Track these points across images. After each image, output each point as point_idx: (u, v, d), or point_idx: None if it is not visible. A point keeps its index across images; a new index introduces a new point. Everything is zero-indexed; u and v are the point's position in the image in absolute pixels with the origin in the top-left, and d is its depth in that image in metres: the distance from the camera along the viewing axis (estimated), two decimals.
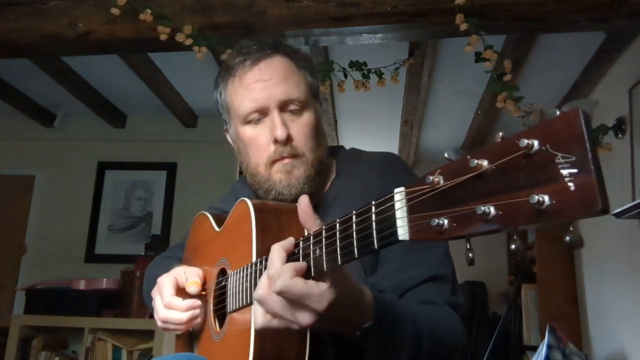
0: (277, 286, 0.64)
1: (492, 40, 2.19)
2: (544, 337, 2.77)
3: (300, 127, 0.99)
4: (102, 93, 3.76)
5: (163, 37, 2.26)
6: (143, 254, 3.55)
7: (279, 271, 0.66)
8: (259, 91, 0.98)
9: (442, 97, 3.55)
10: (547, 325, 2.80)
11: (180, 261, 1.17)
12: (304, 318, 0.66)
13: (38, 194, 4.01)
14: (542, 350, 2.72)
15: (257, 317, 0.70)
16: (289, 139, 0.97)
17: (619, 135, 2.74)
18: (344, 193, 1.02)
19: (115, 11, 2.25)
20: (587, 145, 0.41)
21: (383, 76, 2.65)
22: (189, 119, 3.98)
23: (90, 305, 3.15)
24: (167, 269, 1.03)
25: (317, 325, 0.67)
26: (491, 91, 2.44)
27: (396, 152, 4.45)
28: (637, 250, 2.62)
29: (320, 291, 0.65)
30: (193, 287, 0.96)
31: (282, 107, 0.98)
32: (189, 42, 2.26)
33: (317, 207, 1.02)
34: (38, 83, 3.49)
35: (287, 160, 0.98)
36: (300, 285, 0.64)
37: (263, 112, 0.99)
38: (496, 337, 3.15)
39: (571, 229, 0.43)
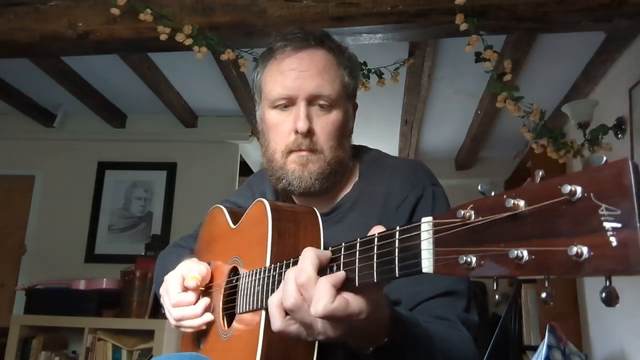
0: (318, 311, 0.61)
1: (492, 40, 2.19)
2: (544, 337, 2.77)
3: (325, 124, 0.98)
4: (102, 93, 3.76)
5: (163, 37, 2.26)
6: (143, 254, 3.54)
7: (317, 295, 0.61)
8: (292, 80, 0.97)
9: (442, 97, 3.55)
10: (547, 325, 2.80)
11: (192, 252, 1.17)
12: (332, 332, 0.64)
13: (38, 194, 4.01)
14: (542, 350, 2.72)
15: (276, 319, 0.67)
16: (309, 133, 0.96)
17: (619, 135, 2.74)
18: (365, 197, 1.01)
19: (115, 11, 2.25)
20: (635, 200, 0.38)
21: (383, 76, 2.65)
22: (189, 119, 3.98)
23: (90, 305, 3.14)
24: (177, 259, 1.03)
25: (340, 339, 0.65)
26: (491, 91, 2.44)
27: (396, 152, 4.46)
28: None
29: (360, 309, 0.62)
30: (192, 282, 0.96)
31: (311, 100, 0.97)
32: (189, 42, 2.26)
33: (337, 208, 1.02)
34: (38, 83, 3.49)
35: (303, 153, 0.97)
36: (342, 309, 0.61)
37: (291, 101, 0.98)
38: (496, 337, 3.14)
39: (607, 284, 0.41)
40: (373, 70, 2.63)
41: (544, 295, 0.45)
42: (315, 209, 0.89)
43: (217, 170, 3.94)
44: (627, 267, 0.38)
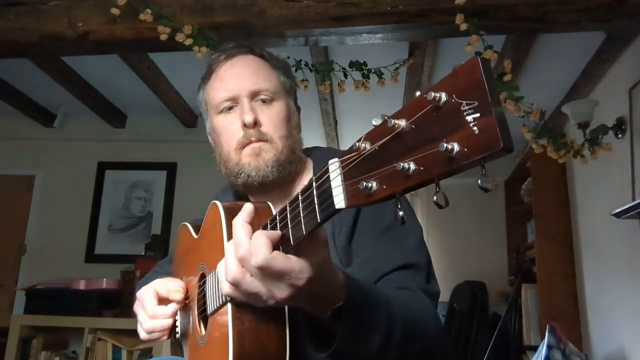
0: (258, 261, 0.62)
1: (492, 40, 2.19)
2: (544, 337, 2.77)
3: (269, 115, 1.04)
4: (102, 93, 3.76)
5: (163, 37, 2.26)
6: (143, 254, 3.54)
7: (253, 247, 0.64)
8: (231, 82, 1.05)
9: None
10: (547, 325, 2.80)
11: (169, 275, 1.17)
12: (282, 293, 0.65)
13: (38, 194, 4.01)
14: (542, 350, 2.72)
15: (224, 287, 0.70)
16: (256, 124, 1.02)
17: (619, 135, 2.74)
18: None
19: (115, 11, 2.25)
20: (487, 88, 0.42)
21: (383, 76, 2.64)
22: (189, 119, 3.98)
23: (90, 305, 3.14)
24: None
25: (291, 302, 0.67)
26: None
27: None
28: (637, 250, 2.62)
29: (300, 267, 0.64)
30: (177, 295, 0.97)
31: (253, 96, 1.04)
32: (189, 42, 2.26)
33: None
34: (38, 83, 3.49)
35: (255, 144, 1.02)
36: (282, 260, 0.63)
37: (234, 101, 1.04)
38: (496, 337, 3.15)
39: (483, 172, 0.44)
40: (373, 70, 2.62)
41: (435, 198, 0.48)
42: (270, 203, 0.90)
43: (217, 170, 3.92)
44: (490, 149, 0.42)
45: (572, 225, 3.60)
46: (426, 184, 0.48)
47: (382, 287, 0.88)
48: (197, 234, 1.04)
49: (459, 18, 2.09)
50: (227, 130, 1.05)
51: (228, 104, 1.05)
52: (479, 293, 4.40)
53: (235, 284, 0.67)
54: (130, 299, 3.37)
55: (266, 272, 0.64)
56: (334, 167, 0.57)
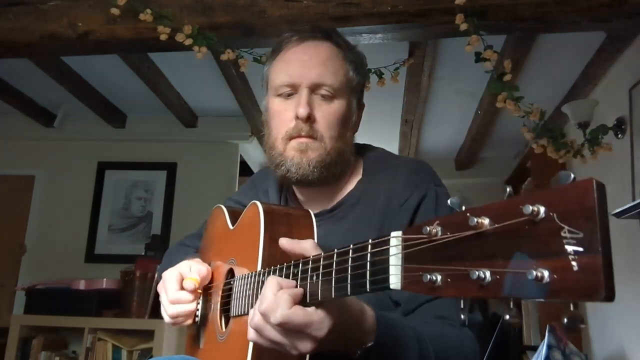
0: (277, 318, 0.63)
1: (492, 40, 2.19)
2: (544, 337, 2.77)
3: (326, 112, 0.98)
4: (102, 93, 3.76)
5: (163, 37, 2.26)
6: (143, 254, 3.54)
7: (274, 303, 0.65)
8: (295, 68, 0.99)
9: (442, 97, 3.55)
10: (547, 325, 2.80)
11: (197, 250, 1.18)
12: (304, 346, 0.66)
13: (38, 194, 4.01)
14: (542, 350, 2.72)
15: (249, 333, 0.71)
16: (310, 119, 0.97)
17: (619, 135, 2.74)
18: (368, 195, 1.00)
19: (115, 11, 2.25)
20: (598, 222, 0.37)
21: (383, 76, 2.65)
22: (189, 119, 3.98)
23: (90, 305, 3.14)
24: (181, 258, 1.05)
25: (317, 349, 0.67)
26: (491, 91, 2.44)
27: (396, 152, 4.46)
28: (637, 250, 2.62)
29: (319, 318, 0.64)
30: (189, 283, 0.96)
31: (314, 88, 0.98)
32: (189, 42, 2.26)
33: (340, 205, 1.02)
34: (38, 83, 3.49)
35: (303, 140, 0.97)
36: (301, 315, 0.64)
37: (294, 89, 0.99)
38: (496, 337, 3.14)
39: (572, 309, 0.40)
40: (373, 70, 2.63)
41: (507, 317, 0.44)
42: (311, 210, 0.89)
43: (217, 170, 3.94)
44: (587, 294, 0.37)
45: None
46: (498, 298, 0.43)
47: (422, 314, 0.87)
48: (233, 223, 1.03)
49: (459, 18, 2.09)
50: (280, 116, 1.00)
51: (287, 89, 0.99)
52: None
53: (257, 330, 0.69)
54: (131, 299, 3.36)
55: (286, 327, 0.64)
56: (396, 242, 0.53)
